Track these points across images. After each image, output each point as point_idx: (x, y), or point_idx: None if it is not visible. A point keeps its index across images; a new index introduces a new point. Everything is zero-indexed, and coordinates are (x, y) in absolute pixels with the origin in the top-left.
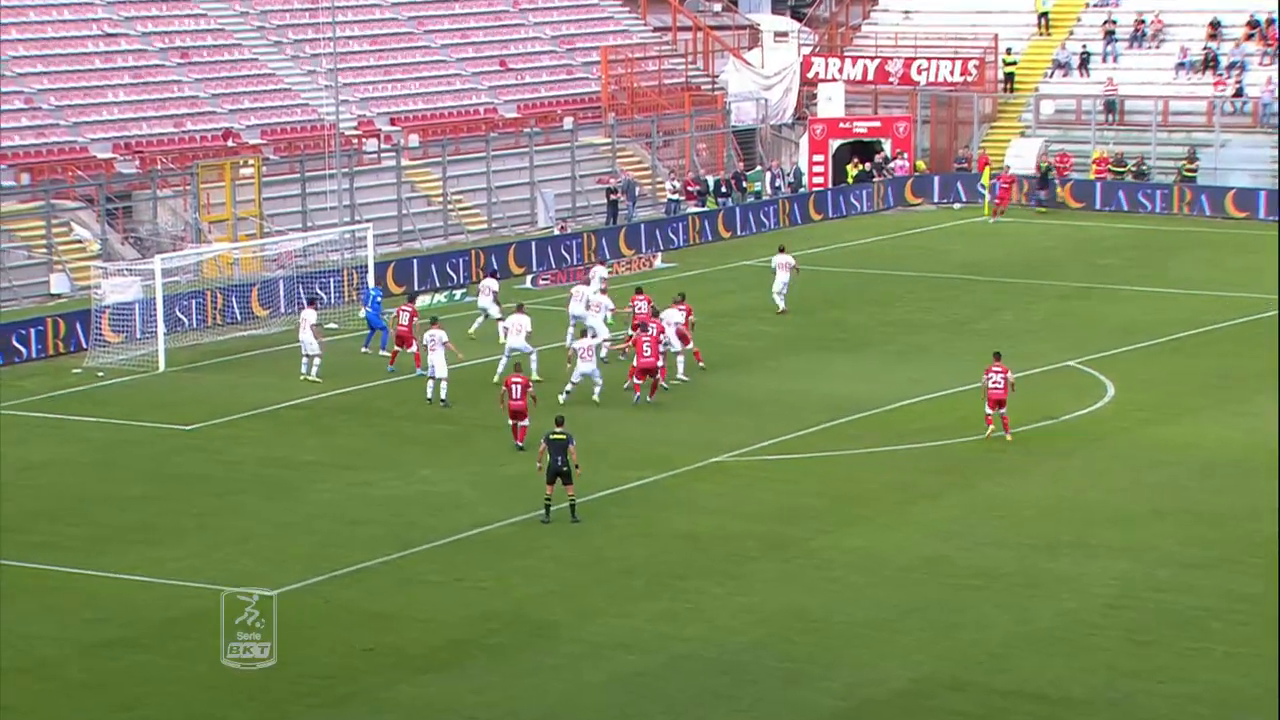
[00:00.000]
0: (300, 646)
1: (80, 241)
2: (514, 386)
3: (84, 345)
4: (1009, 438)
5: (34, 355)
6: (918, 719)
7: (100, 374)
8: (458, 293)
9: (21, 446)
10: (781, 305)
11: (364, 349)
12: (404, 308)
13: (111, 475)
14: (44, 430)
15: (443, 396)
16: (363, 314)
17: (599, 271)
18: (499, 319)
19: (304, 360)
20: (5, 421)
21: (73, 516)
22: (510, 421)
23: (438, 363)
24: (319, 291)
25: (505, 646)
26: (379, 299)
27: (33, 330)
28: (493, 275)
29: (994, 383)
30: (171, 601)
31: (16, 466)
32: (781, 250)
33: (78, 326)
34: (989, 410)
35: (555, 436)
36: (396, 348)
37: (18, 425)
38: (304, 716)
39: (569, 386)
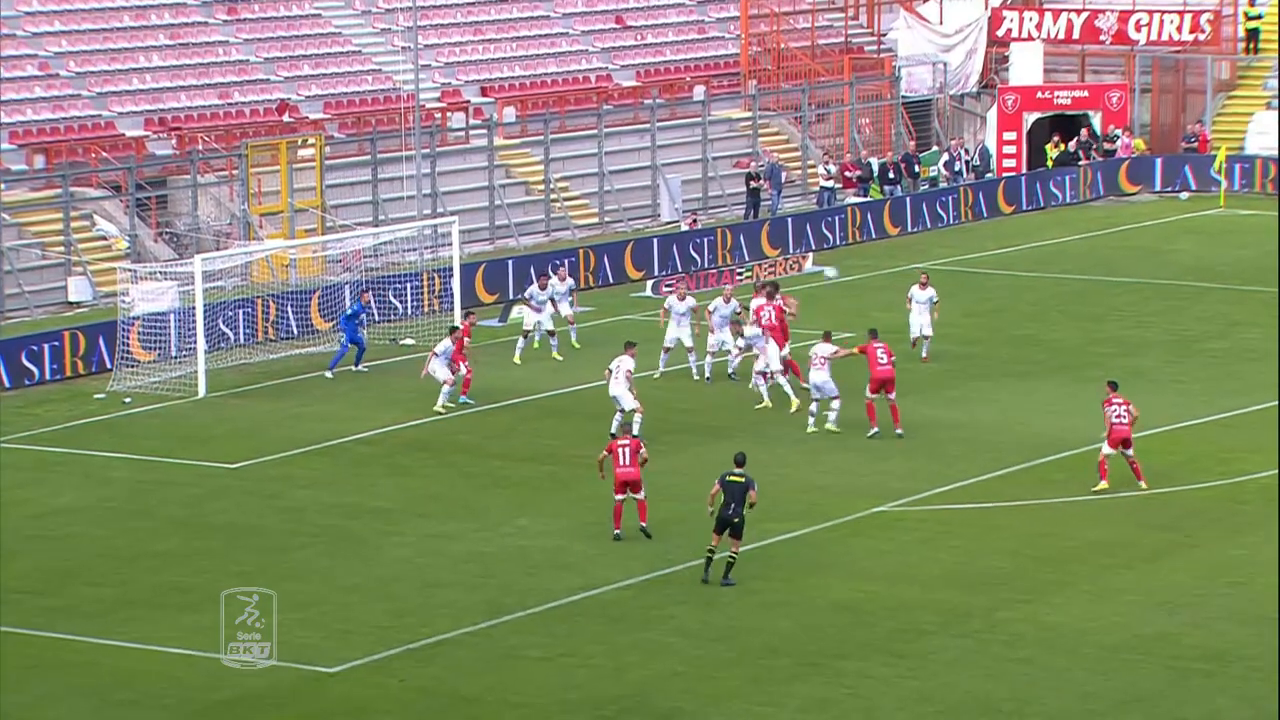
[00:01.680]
0: None
1: (105, 238)
2: (621, 450)
3: (108, 365)
4: (1144, 485)
5: (49, 377)
6: None
7: (128, 400)
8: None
9: (34, 489)
10: (924, 353)
11: (331, 370)
12: (461, 324)
13: (142, 525)
14: (61, 468)
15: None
16: (335, 325)
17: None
18: (550, 331)
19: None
20: (14, 458)
21: (96, 575)
22: (618, 497)
23: (620, 394)
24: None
25: None
26: (362, 313)
27: (47, 346)
28: (554, 272)
29: (1117, 416)
30: (218, 680)
31: (29, 513)
32: (923, 283)
33: (101, 342)
34: (1109, 451)
35: (733, 479)
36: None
37: (29, 463)
38: None
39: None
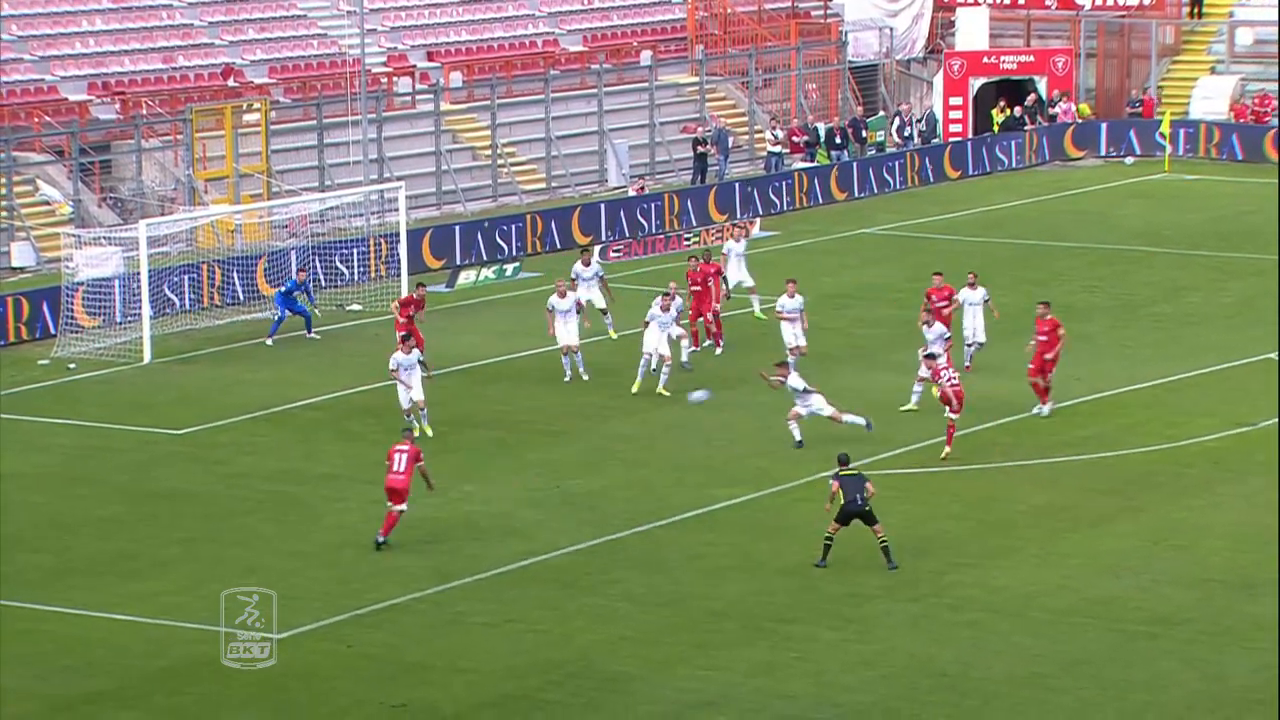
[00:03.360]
0: (317, 702)
1: (48, 203)
2: (397, 455)
3: (52, 331)
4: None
5: None
6: None
7: (72, 366)
8: (509, 268)
9: None
10: (968, 361)
11: (271, 339)
12: (405, 299)
13: (85, 491)
14: (3, 435)
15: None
16: (274, 295)
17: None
18: (603, 309)
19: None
20: None
21: (38, 542)
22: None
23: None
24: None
25: (566, 704)
26: (296, 290)
27: None
28: (588, 252)
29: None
30: (162, 647)
31: None
32: (971, 282)
33: (45, 307)
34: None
35: (848, 473)
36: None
37: None
38: None
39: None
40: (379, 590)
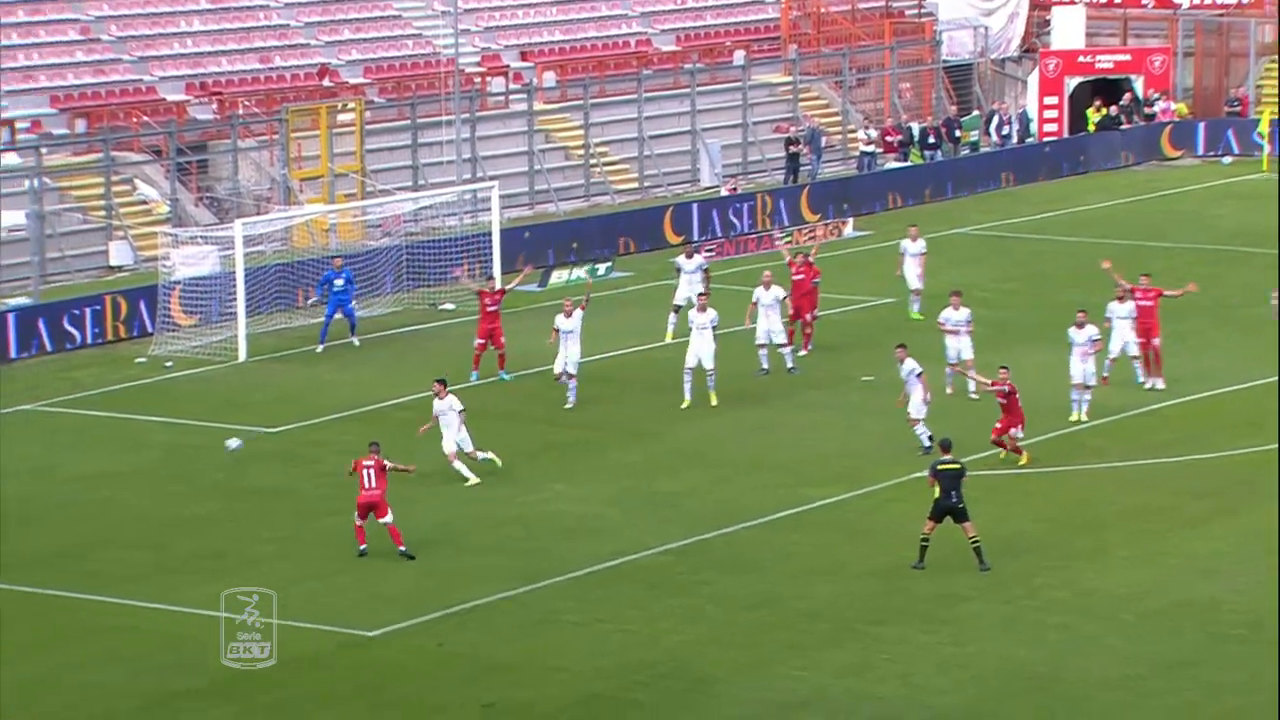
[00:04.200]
0: (410, 700)
1: (146, 203)
2: (365, 471)
3: (149, 329)
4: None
5: (89, 341)
6: None
7: (168, 364)
8: (601, 267)
9: (73, 453)
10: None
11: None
12: (486, 290)
13: (180, 489)
14: (100, 433)
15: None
16: (314, 300)
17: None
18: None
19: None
20: (54, 422)
21: (134, 539)
22: (359, 521)
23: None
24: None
25: (654, 705)
26: (337, 281)
27: (88, 310)
28: (696, 249)
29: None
30: None
31: (67, 477)
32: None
33: (142, 306)
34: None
35: (945, 467)
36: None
37: (69, 426)
38: None
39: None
40: (468, 589)
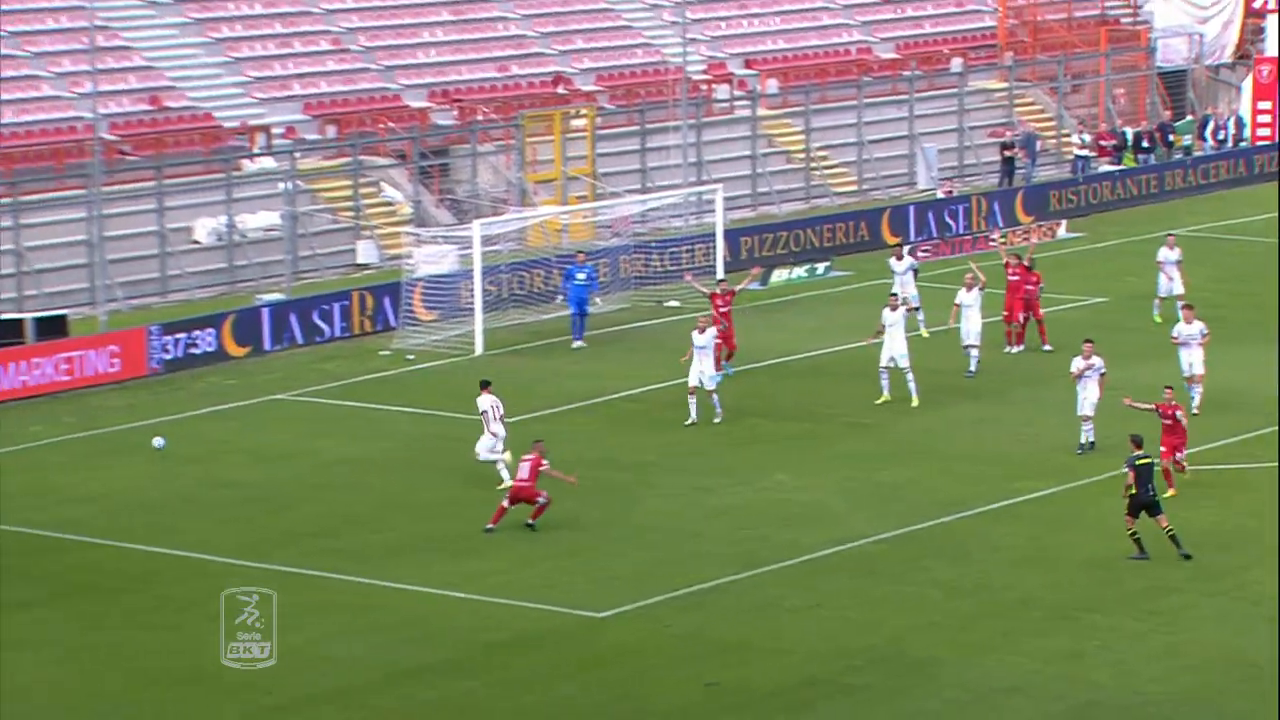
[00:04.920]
0: (636, 678)
1: (390, 204)
2: (523, 464)
3: (392, 324)
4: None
5: (337, 334)
6: None
7: (410, 357)
8: (819, 267)
9: (322, 439)
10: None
11: (579, 342)
12: (717, 293)
13: (421, 475)
14: (347, 421)
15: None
16: (564, 297)
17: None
18: (915, 307)
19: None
20: (304, 410)
21: (377, 522)
22: (509, 505)
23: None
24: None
25: (872, 688)
26: (580, 275)
27: (336, 306)
28: (906, 249)
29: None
30: (495, 622)
31: (317, 462)
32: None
33: (386, 302)
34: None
35: (1143, 462)
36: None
37: (318, 415)
38: None
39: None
40: (693, 573)
